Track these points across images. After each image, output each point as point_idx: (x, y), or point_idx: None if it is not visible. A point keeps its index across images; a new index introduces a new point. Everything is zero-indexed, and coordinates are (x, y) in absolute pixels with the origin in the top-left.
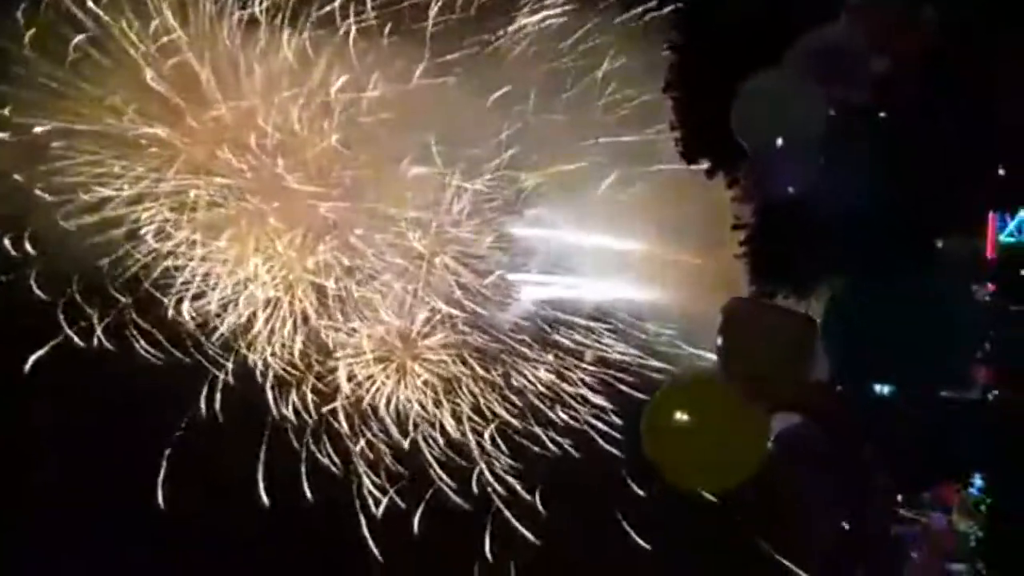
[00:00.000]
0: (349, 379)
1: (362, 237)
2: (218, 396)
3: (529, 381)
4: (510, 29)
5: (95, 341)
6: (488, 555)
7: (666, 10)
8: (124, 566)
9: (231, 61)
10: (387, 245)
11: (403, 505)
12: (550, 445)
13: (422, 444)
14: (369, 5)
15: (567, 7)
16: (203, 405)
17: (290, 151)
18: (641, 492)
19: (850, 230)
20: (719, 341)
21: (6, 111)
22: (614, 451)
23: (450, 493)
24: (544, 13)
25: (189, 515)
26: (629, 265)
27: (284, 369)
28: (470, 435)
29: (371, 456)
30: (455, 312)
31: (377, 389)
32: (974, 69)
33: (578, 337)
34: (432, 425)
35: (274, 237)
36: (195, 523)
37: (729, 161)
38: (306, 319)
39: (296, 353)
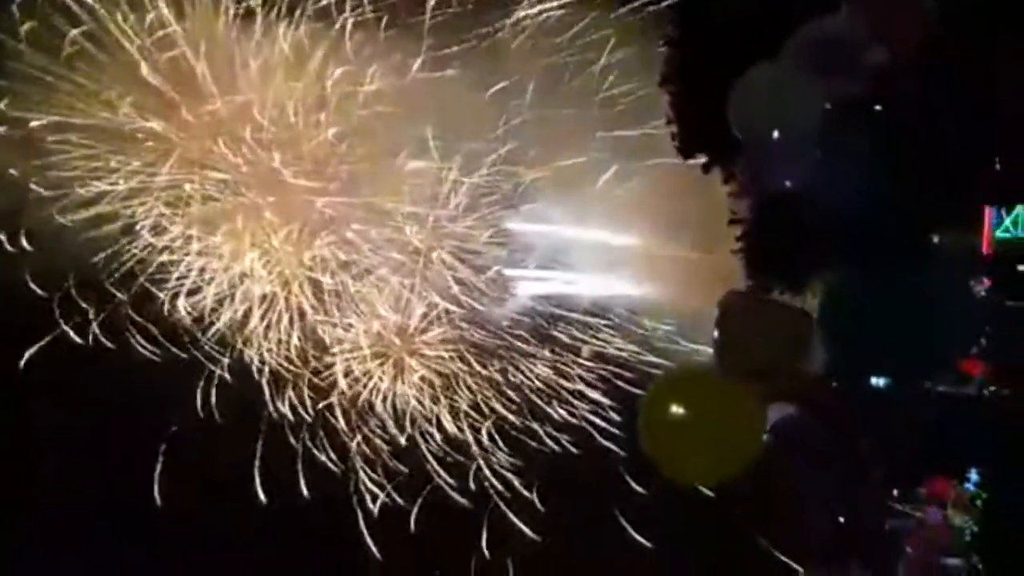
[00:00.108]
0: (346, 375)
1: (359, 232)
2: (214, 392)
3: (527, 377)
4: (508, 23)
5: (91, 337)
6: (486, 551)
7: (664, 4)
8: (120, 562)
9: (227, 55)
10: (384, 240)
11: (400, 501)
12: (548, 441)
13: (419, 440)
14: None
15: (565, 0)
16: (199, 401)
17: (286, 145)
18: (639, 488)
19: (846, 225)
20: (715, 334)
21: (2, 105)
22: (612, 447)
23: (448, 489)
24: (542, 7)
25: (185, 511)
26: (627, 260)
27: (280, 365)
28: (468, 431)
29: (368, 452)
30: (452, 307)
31: (374, 385)
32: (972, 63)
33: (576, 333)
34: (429, 421)
35: (270, 232)
36: (191, 519)
37: (725, 156)
38: (302, 315)
39: (293, 349)
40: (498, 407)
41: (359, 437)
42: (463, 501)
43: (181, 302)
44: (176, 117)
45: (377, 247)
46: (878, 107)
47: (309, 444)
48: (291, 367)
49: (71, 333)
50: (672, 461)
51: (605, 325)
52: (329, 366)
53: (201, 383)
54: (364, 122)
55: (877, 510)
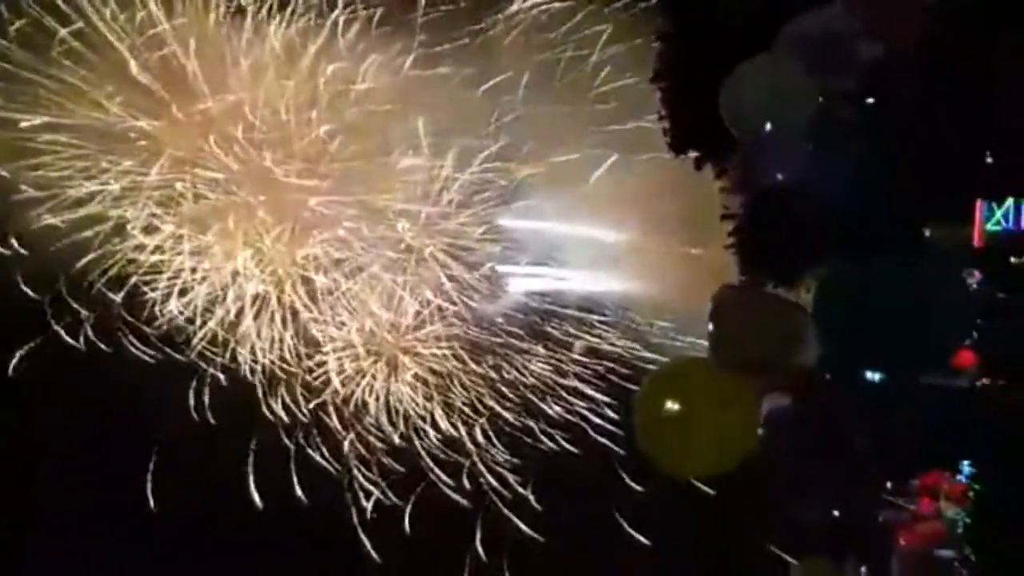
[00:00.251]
0: (339, 374)
1: (351, 230)
2: (207, 392)
3: (521, 374)
4: (501, 19)
5: (83, 338)
6: (480, 548)
7: None
8: (113, 563)
9: (218, 53)
10: (376, 238)
11: (395, 499)
12: (543, 438)
13: (414, 438)
14: None
15: None
16: (192, 401)
17: (278, 144)
18: (636, 486)
19: (838, 219)
20: (710, 328)
21: None
22: (607, 443)
23: (442, 487)
24: (534, 1)
25: (179, 512)
26: (621, 256)
27: (274, 364)
28: (462, 429)
29: (362, 451)
30: (445, 305)
31: (368, 383)
32: (963, 57)
33: (570, 329)
34: (424, 419)
35: (262, 231)
36: (185, 520)
37: (718, 151)
38: (295, 313)
39: (286, 348)
40: (493, 404)
41: (353, 435)
42: (458, 499)
43: (173, 302)
44: (167, 116)
45: (370, 245)
46: (869, 101)
47: (303, 443)
48: (284, 366)
49: (63, 334)
50: (667, 455)
51: (599, 321)
52: (322, 365)
53: (194, 383)
54: (356, 120)
55: (870, 502)
